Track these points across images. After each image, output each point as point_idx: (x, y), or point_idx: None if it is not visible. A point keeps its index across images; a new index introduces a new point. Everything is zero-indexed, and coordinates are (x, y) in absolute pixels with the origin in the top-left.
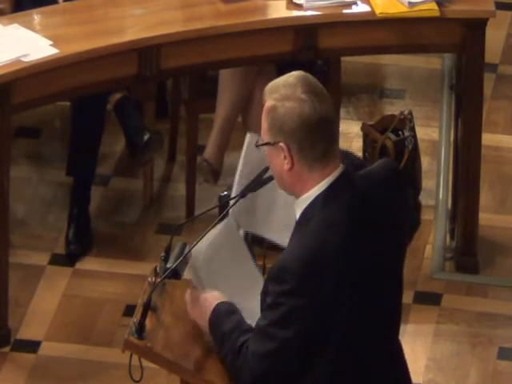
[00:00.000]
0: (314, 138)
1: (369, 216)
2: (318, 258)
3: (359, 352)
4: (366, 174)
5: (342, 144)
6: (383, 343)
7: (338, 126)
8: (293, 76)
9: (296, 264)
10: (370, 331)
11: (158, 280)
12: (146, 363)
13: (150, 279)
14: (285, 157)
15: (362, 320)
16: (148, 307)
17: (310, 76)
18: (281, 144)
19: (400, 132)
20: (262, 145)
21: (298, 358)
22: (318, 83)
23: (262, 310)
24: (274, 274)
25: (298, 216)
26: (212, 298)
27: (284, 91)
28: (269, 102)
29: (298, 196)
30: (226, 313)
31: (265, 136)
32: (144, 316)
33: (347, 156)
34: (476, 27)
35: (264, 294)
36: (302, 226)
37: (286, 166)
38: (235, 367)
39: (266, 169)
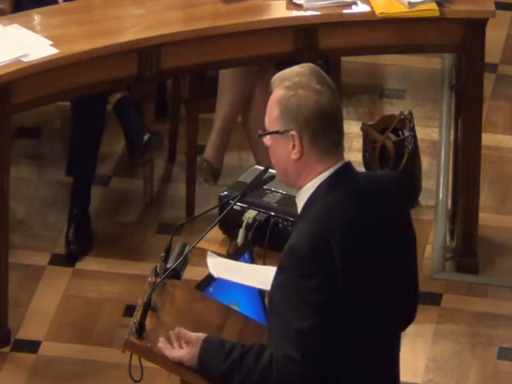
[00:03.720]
0: (327, 128)
1: (369, 204)
2: (324, 237)
3: (367, 338)
4: (367, 173)
5: None
6: (386, 333)
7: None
8: (304, 66)
9: (304, 246)
10: (375, 316)
11: (158, 280)
12: (146, 363)
13: (149, 279)
14: (293, 146)
15: (369, 304)
16: (148, 307)
17: (319, 68)
18: (292, 132)
19: (400, 132)
20: (270, 133)
21: (329, 345)
22: (327, 76)
23: (272, 311)
24: (283, 260)
25: (301, 206)
26: (195, 336)
27: (298, 79)
28: (279, 91)
29: (300, 187)
30: (219, 344)
31: (272, 124)
32: (144, 316)
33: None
34: (476, 27)
35: (273, 288)
36: (306, 212)
37: (295, 156)
38: (271, 381)
39: (266, 169)
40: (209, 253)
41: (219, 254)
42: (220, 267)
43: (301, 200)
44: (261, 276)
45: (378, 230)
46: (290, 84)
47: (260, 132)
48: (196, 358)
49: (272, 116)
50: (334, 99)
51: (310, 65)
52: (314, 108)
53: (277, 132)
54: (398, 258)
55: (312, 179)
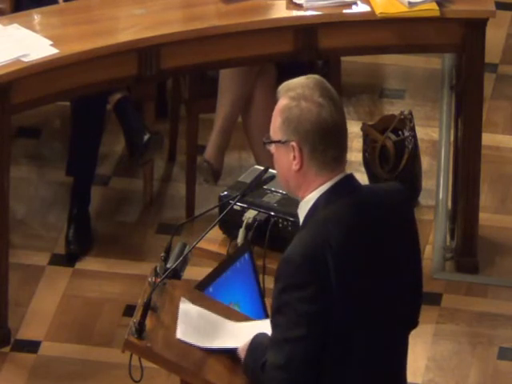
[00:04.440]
0: (327, 143)
1: (369, 215)
2: (320, 248)
3: (369, 345)
4: (370, 185)
5: None
6: (391, 339)
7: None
8: (311, 78)
9: (298, 256)
10: (381, 324)
11: (158, 280)
12: (146, 363)
13: (150, 279)
14: (294, 157)
15: (367, 314)
16: (148, 307)
17: (326, 82)
18: (292, 143)
19: (400, 132)
20: (272, 142)
21: (316, 359)
22: (334, 90)
23: (271, 323)
24: (279, 270)
25: (302, 217)
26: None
27: (301, 91)
28: (283, 100)
29: (301, 197)
30: (257, 344)
31: (275, 133)
32: (144, 316)
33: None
34: (476, 27)
35: (272, 298)
36: (306, 224)
37: (295, 167)
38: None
39: (266, 169)
40: (182, 299)
41: (219, 255)
42: (189, 325)
43: (302, 211)
44: (232, 332)
45: (377, 240)
46: (293, 94)
47: (264, 140)
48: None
49: (275, 125)
50: (337, 114)
51: (316, 77)
52: (314, 121)
53: (279, 141)
54: (398, 268)
55: (312, 191)
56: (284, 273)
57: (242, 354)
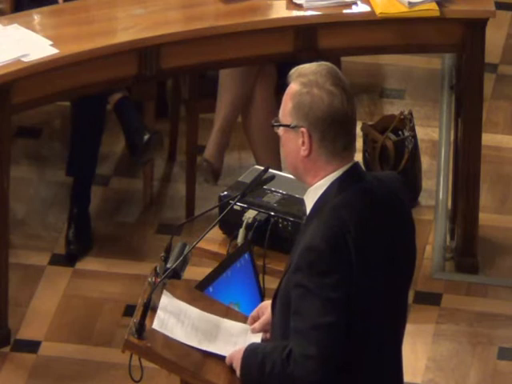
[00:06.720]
0: (337, 132)
1: (377, 201)
2: (340, 233)
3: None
4: (373, 173)
5: None
6: (400, 326)
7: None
8: (323, 65)
9: (320, 242)
10: (394, 312)
11: (158, 280)
12: (146, 363)
13: (149, 279)
14: (303, 143)
15: (388, 298)
16: (148, 307)
17: (338, 70)
18: (302, 129)
19: (400, 132)
20: (281, 125)
21: (344, 344)
22: (345, 78)
23: (282, 310)
24: (300, 260)
25: (311, 204)
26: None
27: (314, 78)
28: (295, 85)
29: (309, 184)
30: (257, 345)
31: (285, 117)
32: (144, 316)
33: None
34: (476, 27)
35: (289, 289)
36: (318, 211)
37: (304, 153)
38: (287, 376)
39: (266, 169)
40: (165, 292)
41: (219, 255)
42: (168, 318)
43: (310, 199)
44: (212, 329)
45: (388, 225)
46: (305, 81)
47: (273, 122)
48: (241, 355)
49: (285, 109)
50: (348, 103)
51: (329, 64)
52: (325, 109)
53: (288, 125)
54: (403, 252)
55: (321, 178)
56: (307, 261)
57: (233, 360)
